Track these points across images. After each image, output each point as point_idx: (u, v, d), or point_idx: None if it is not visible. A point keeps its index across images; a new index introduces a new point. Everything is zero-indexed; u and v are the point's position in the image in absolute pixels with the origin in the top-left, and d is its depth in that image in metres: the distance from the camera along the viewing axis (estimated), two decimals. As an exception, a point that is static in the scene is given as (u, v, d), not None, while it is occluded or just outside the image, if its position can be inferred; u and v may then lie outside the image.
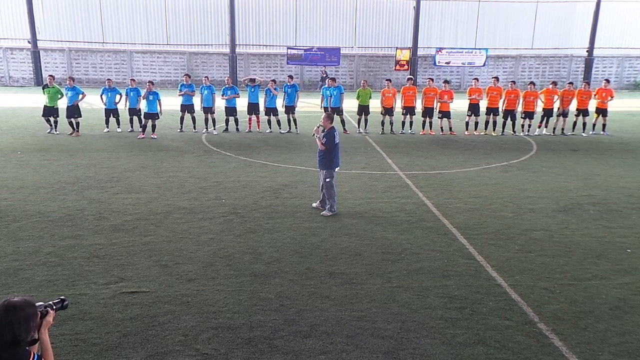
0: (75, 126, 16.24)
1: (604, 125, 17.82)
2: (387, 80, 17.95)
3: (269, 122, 17.40)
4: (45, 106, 16.32)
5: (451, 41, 34.71)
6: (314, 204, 9.37)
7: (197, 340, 5.10)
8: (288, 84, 17.44)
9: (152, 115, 15.99)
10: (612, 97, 17.78)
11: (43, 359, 2.84)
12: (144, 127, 16.01)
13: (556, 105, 17.72)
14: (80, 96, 16.41)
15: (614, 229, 8.51)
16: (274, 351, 4.95)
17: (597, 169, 12.90)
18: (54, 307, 2.90)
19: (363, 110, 17.63)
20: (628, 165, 13.35)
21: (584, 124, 17.88)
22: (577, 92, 17.91)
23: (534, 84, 17.91)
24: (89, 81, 31.69)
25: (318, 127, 9.06)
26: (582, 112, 17.82)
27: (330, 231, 8.16)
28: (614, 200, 10.17)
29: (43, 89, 16.57)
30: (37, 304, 2.81)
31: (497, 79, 18.01)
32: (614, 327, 5.52)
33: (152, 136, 15.89)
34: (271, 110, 17.24)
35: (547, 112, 17.59)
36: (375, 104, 18.07)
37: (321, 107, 17.73)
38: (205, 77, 17.62)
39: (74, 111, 16.27)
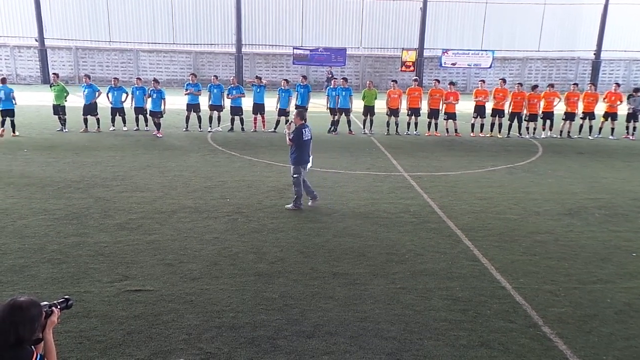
0: (96, 122, 16.53)
1: (612, 129, 17.72)
2: (392, 81, 17.94)
3: (278, 122, 17.40)
4: (53, 104, 16.48)
5: (457, 42, 34.62)
6: (310, 203, 9.44)
7: (201, 339, 5.10)
8: (301, 84, 17.41)
9: (156, 114, 16.20)
10: (621, 101, 17.68)
11: (46, 359, 2.84)
12: (157, 125, 16.22)
13: (557, 108, 17.67)
14: (97, 94, 16.59)
15: (620, 233, 8.47)
16: (277, 351, 4.95)
17: (602, 172, 12.83)
18: (59, 306, 2.90)
19: (368, 111, 17.59)
20: (634, 169, 13.28)
21: (590, 127, 17.80)
22: (584, 95, 17.82)
23: (536, 87, 17.84)
24: (95, 79, 31.67)
25: (290, 124, 9.31)
26: (588, 115, 17.73)
27: (335, 231, 8.16)
28: (620, 203, 10.12)
29: (50, 87, 16.75)
30: (42, 303, 2.80)
31: (503, 80, 17.96)
32: (619, 331, 5.49)
33: (157, 134, 16.04)
34: (284, 111, 17.24)
35: (548, 115, 17.51)
36: (380, 105, 18.05)
37: (327, 107, 17.71)
38: (215, 76, 17.72)
39: (91, 109, 16.51)
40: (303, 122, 9.21)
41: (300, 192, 9.25)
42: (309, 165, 9.45)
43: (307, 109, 17.30)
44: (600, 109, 18.04)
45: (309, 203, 9.45)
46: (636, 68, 36.17)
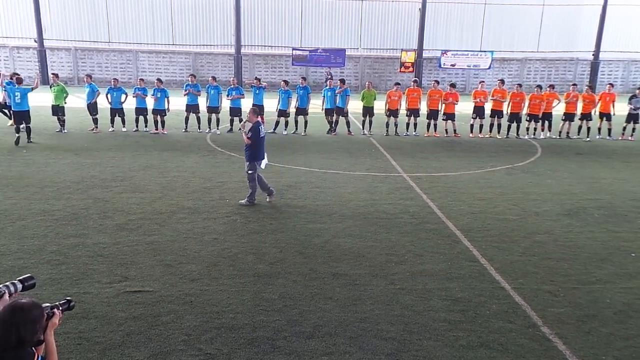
0: (94, 123, 16.66)
1: (609, 130, 17.74)
2: (396, 84, 18.02)
3: (277, 123, 17.41)
4: (52, 105, 16.48)
5: (456, 43, 34.61)
6: (267, 199, 9.66)
7: (200, 340, 5.10)
8: (301, 85, 17.42)
9: (160, 112, 16.45)
10: (614, 101, 17.68)
11: None
12: (161, 123, 16.57)
13: (557, 108, 17.68)
14: (96, 94, 16.68)
15: (619, 233, 8.48)
16: (277, 352, 4.95)
17: (602, 172, 12.85)
18: (60, 308, 2.89)
19: (367, 111, 17.60)
20: (633, 169, 13.30)
21: (589, 129, 17.76)
22: (582, 97, 17.85)
23: (540, 87, 17.87)
24: (94, 80, 31.63)
25: (245, 122, 9.57)
26: (586, 116, 17.72)
27: (334, 232, 8.16)
28: (619, 204, 10.13)
29: (50, 87, 16.77)
30: (43, 305, 2.80)
31: (502, 81, 17.99)
32: (618, 331, 5.50)
33: (157, 131, 16.34)
34: (284, 112, 17.27)
35: (546, 116, 17.52)
36: (379, 106, 18.04)
37: (322, 108, 17.65)
38: (212, 77, 17.73)
39: (92, 108, 16.67)
40: (257, 119, 9.54)
41: (255, 187, 9.50)
42: (265, 162, 9.78)
43: (307, 111, 17.37)
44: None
45: (267, 200, 9.64)
46: (635, 69, 36.18)
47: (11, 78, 15.72)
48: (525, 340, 5.26)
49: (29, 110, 14.78)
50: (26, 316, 2.65)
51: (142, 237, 7.73)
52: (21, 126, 14.48)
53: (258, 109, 16.82)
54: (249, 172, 9.46)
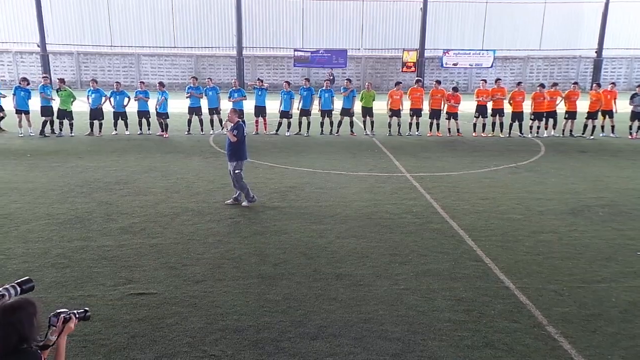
0: (98, 127, 16.70)
1: (612, 127, 17.67)
2: (397, 83, 18.01)
3: (280, 124, 17.43)
4: (58, 109, 16.54)
5: (458, 42, 34.58)
6: (228, 201, 9.61)
7: (205, 342, 5.11)
8: (304, 87, 17.42)
9: (161, 115, 16.65)
10: (615, 98, 17.61)
11: None
12: (165, 126, 16.70)
13: (560, 107, 17.64)
14: (104, 99, 16.70)
15: (624, 231, 8.44)
16: (281, 353, 4.95)
17: (606, 170, 12.80)
18: (77, 315, 2.94)
19: (367, 112, 17.58)
20: (638, 167, 13.23)
21: (594, 127, 17.66)
22: (590, 95, 17.82)
23: (543, 86, 17.82)
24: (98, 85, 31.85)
25: (226, 122, 9.63)
26: (592, 115, 17.63)
27: (337, 233, 8.15)
28: (624, 202, 10.08)
29: (57, 91, 16.87)
30: (62, 310, 2.86)
31: (499, 80, 18.04)
32: (624, 330, 5.47)
33: (162, 134, 16.50)
34: (286, 114, 17.29)
35: (551, 114, 17.47)
36: (380, 106, 18.01)
37: (318, 109, 17.58)
38: (209, 78, 17.84)
39: (97, 113, 16.67)
40: (238, 119, 9.60)
41: (246, 185, 9.51)
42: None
43: (310, 112, 17.37)
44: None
45: (226, 202, 9.61)
46: (638, 66, 36.06)
47: (20, 83, 16.45)
48: (531, 339, 5.24)
49: (52, 106, 16.58)
50: (20, 313, 2.66)
51: (146, 240, 7.75)
52: (50, 119, 16.42)
53: (259, 110, 17.30)
54: (237, 171, 9.43)
